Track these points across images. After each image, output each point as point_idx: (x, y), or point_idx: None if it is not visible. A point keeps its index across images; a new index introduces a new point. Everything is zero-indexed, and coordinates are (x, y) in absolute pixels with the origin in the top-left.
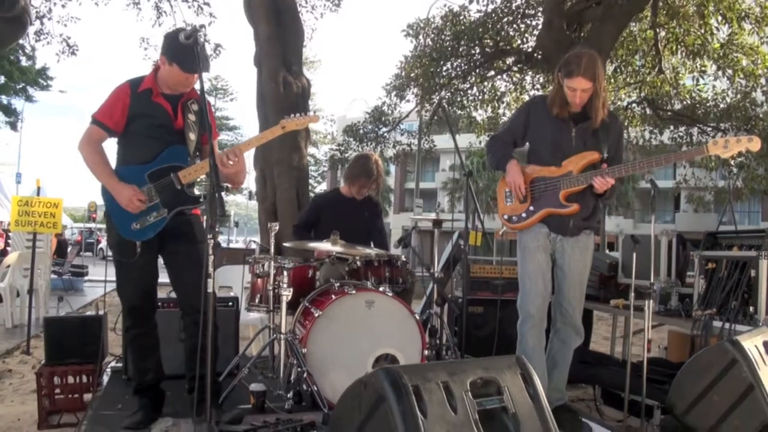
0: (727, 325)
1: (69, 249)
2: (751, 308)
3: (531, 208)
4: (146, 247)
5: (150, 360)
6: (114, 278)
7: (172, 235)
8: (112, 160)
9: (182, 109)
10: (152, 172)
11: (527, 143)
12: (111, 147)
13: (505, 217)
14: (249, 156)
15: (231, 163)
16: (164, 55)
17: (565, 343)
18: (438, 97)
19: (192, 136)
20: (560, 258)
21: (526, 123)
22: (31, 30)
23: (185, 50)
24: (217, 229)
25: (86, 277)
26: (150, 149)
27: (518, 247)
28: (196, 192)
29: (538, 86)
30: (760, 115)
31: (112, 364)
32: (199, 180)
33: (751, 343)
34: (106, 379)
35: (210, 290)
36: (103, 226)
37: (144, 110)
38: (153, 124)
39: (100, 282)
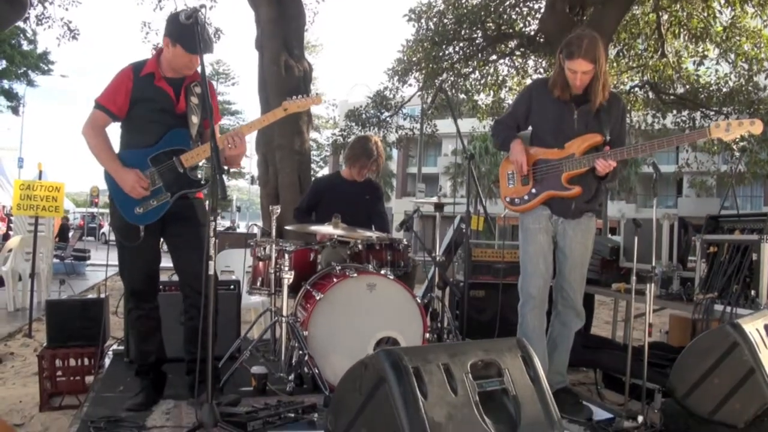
0: (728, 309)
1: (71, 233)
2: (753, 292)
3: (533, 190)
4: (149, 231)
5: (152, 342)
6: (116, 262)
7: (175, 218)
8: (116, 143)
9: (185, 93)
10: (155, 156)
11: (530, 126)
12: (114, 131)
13: (508, 199)
14: (251, 140)
15: (232, 146)
16: (168, 36)
17: (566, 326)
18: (440, 81)
19: (194, 120)
20: (562, 240)
21: (528, 106)
22: (32, 13)
23: (189, 31)
24: (219, 212)
25: (88, 261)
26: (152, 133)
27: (520, 228)
28: (199, 175)
29: (541, 70)
30: (763, 99)
31: (114, 346)
32: (201, 164)
33: (752, 326)
34: (107, 361)
35: (211, 273)
36: (105, 210)
37: (146, 94)
38: (155, 108)
39: (101, 266)
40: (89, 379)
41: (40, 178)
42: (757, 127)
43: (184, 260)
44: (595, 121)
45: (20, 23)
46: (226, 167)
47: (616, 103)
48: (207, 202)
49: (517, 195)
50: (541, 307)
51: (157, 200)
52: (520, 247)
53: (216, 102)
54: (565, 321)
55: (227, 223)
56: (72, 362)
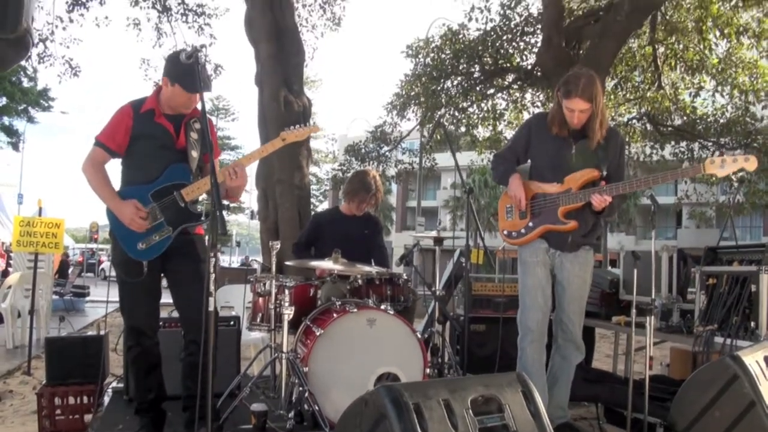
0: (728, 341)
1: (71, 269)
2: (752, 323)
3: (530, 224)
4: (150, 267)
5: (152, 379)
6: (116, 298)
7: (175, 254)
8: (116, 181)
9: (185, 128)
10: (156, 191)
11: (529, 160)
12: (115, 168)
13: (505, 232)
14: (251, 174)
15: (234, 178)
16: (166, 76)
17: (566, 359)
18: (438, 116)
19: (194, 154)
20: (560, 273)
21: (527, 140)
22: (34, 52)
23: (187, 71)
24: (219, 248)
25: (87, 298)
26: (153, 169)
27: (518, 262)
28: (199, 209)
29: (538, 103)
30: (760, 129)
31: (113, 384)
32: (200, 198)
33: (752, 358)
34: (107, 399)
35: (211, 309)
36: (105, 246)
37: (147, 131)
38: (156, 145)
39: (101, 302)
40: (88, 417)
41: (39, 214)
42: (752, 164)
43: (183, 296)
44: (593, 156)
45: (22, 62)
46: (226, 202)
47: (614, 138)
48: (207, 238)
49: (514, 228)
50: (540, 340)
51: (159, 235)
52: (519, 280)
53: (215, 137)
54: (565, 354)
55: (229, 258)
56: (71, 400)
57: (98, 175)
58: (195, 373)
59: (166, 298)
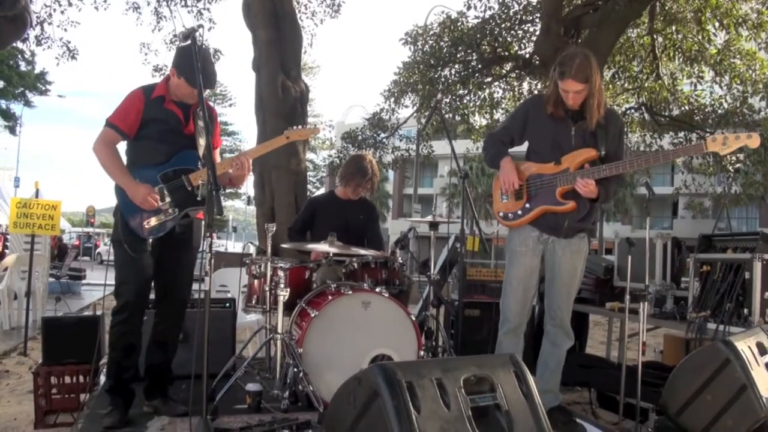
0: (721, 327)
1: (68, 253)
2: (745, 310)
3: (527, 205)
4: (152, 246)
5: (132, 359)
6: (112, 281)
7: (172, 238)
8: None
9: (193, 116)
10: (164, 173)
11: (526, 142)
12: (121, 151)
13: (501, 214)
14: None
15: (239, 167)
16: (174, 67)
17: (556, 345)
18: (435, 100)
19: (202, 141)
20: (550, 259)
21: (524, 122)
22: (31, 34)
23: (193, 66)
24: (215, 230)
25: (84, 281)
26: (162, 153)
27: (507, 249)
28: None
29: (536, 92)
30: (758, 121)
31: None
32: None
33: (744, 343)
34: (102, 379)
35: (206, 288)
36: (101, 230)
37: (157, 115)
38: (165, 129)
39: (97, 286)
40: (84, 396)
41: (36, 196)
42: (755, 141)
43: (168, 274)
44: (592, 137)
45: (19, 44)
46: (225, 187)
47: (614, 120)
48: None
49: (510, 210)
50: (516, 330)
51: (165, 215)
52: (505, 267)
53: (217, 125)
54: (555, 340)
55: (225, 243)
56: (67, 380)
57: (110, 154)
58: (162, 343)
59: None
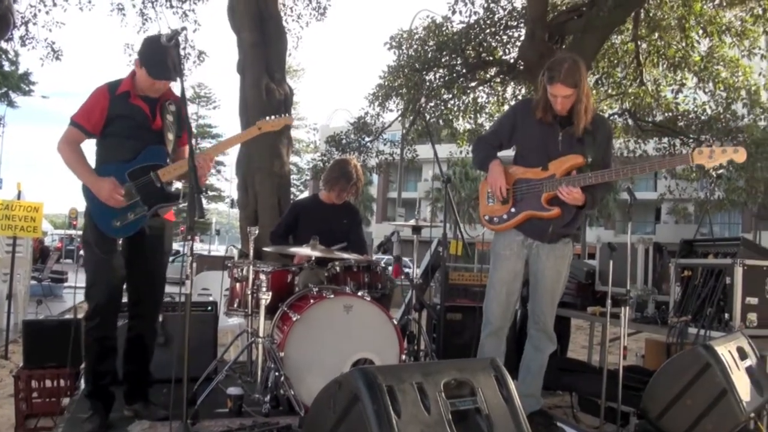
0: (702, 332)
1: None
2: (726, 315)
3: (512, 209)
4: (122, 246)
5: (109, 363)
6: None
7: (142, 240)
8: (91, 161)
9: (160, 110)
10: (132, 170)
11: (513, 146)
12: (90, 149)
13: (486, 217)
14: (231, 163)
15: (200, 167)
16: (138, 56)
17: (539, 349)
18: (419, 105)
19: (170, 136)
20: (534, 264)
21: (513, 126)
22: (16, 35)
23: (154, 56)
24: (196, 233)
25: (65, 284)
26: (130, 149)
27: (491, 252)
28: (174, 190)
29: (520, 97)
30: (741, 127)
31: None
32: (181, 184)
33: (724, 348)
34: (83, 383)
35: (187, 292)
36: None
37: (123, 111)
38: (132, 125)
39: (79, 288)
40: (65, 400)
41: (19, 198)
42: (741, 156)
43: (142, 282)
44: (579, 143)
45: (3, 44)
46: (206, 188)
47: (602, 126)
48: (176, 226)
49: (495, 214)
50: (498, 333)
51: (134, 213)
52: (489, 270)
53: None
54: (537, 344)
55: (208, 247)
56: (48, 383)
57: (74, 153)
58: (137, 348)
59: None
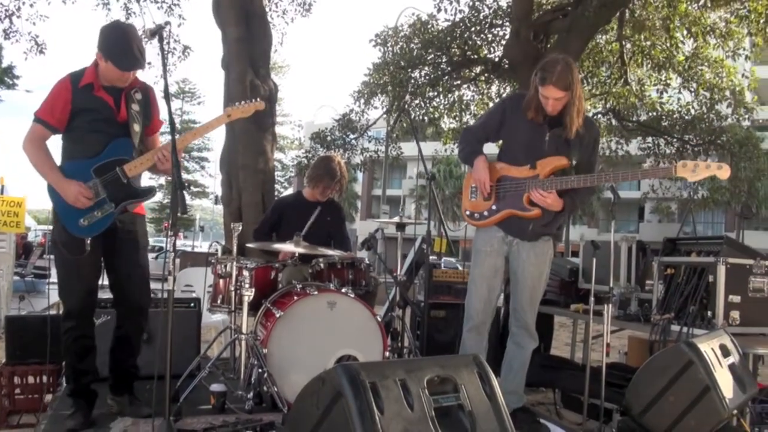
0: (685, 329)
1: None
2: (709, 313)
3: (494, 206)
4: (91, 245)
5: (89, 362)
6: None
7: (115, 235)
8: (58, 155)
9: (125, 100)
10: (98, 166)
11: (500, 140)
12: (56, 143)
13: (468, 212)
14: (215, 159)
15: (163, 161)
16: (99, 50)
17: (520, 346)
18: (403, 103)
19: (136, 128)
20: (515, 261)
21: (501, 120)
22: (0, 27)
23: (119, 46)
24: (179, 230)
25: (49, 279)
26: (95, 144)
27: (472, 248)
28: (142, 185)
29: (504, 95)
30: (724, 127)
31: None
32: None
33: (707, 345)
34: (65, 381)
35: (169, 288)
36: None
37: (86, 105)
38: (96, 119)
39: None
40: (48, 397)
41: (2, 192)
42: (725, 172)
43: (123, 277)
44: (566, 144)
45: None
46: (188, 184)
47: (590, 130)
48: (159, 222)
49: (477, 209)
50: (480, 329)
51: (101, 211)
52: (470, 267)
53: (157, 110)
54: (519, 342)
55: (192, 243)
56: (31, 380)
57: (39, 152)
58: (124, 347)
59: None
